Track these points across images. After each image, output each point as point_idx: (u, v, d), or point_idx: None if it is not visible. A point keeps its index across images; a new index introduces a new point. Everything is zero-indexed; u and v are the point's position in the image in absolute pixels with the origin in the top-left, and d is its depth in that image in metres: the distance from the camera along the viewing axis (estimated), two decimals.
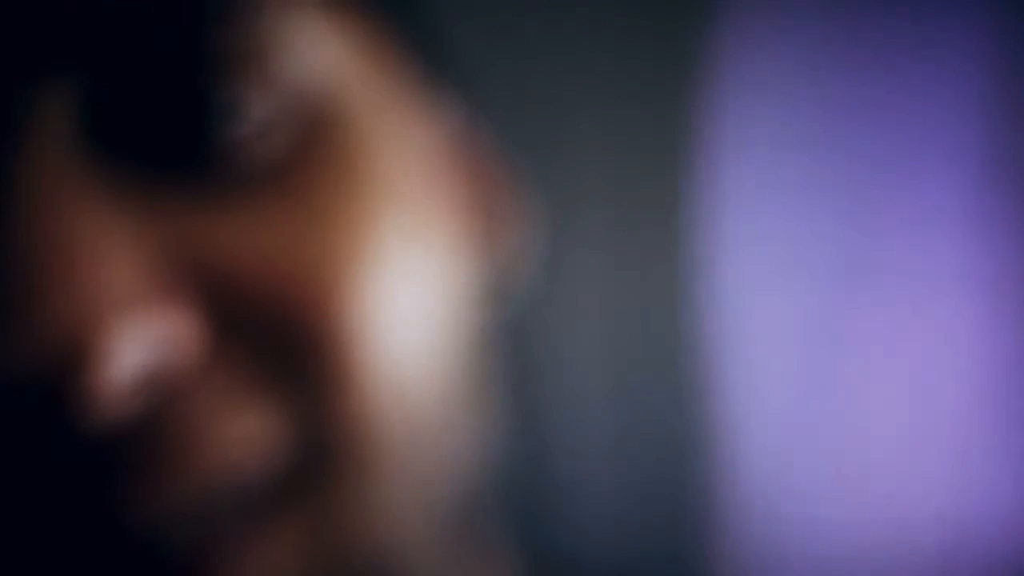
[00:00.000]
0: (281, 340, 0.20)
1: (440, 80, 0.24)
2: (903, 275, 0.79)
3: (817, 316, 0.79)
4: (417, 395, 0.21)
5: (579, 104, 0.77)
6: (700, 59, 0.76)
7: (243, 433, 0.19)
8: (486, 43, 0.75)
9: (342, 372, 0.21)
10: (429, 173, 0.23)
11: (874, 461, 0.78)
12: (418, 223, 0.22)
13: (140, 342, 0.18)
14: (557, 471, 0.67)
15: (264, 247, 0.20)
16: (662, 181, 0.78)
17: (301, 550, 0.20)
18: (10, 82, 0.19)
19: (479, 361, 0.23)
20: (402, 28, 0.23)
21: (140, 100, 0.20)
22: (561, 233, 0.76)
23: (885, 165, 0.78)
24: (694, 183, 0.76)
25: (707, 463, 0.77)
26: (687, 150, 0.78)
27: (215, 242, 0.20)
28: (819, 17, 0.79)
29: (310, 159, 0.21)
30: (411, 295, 0.22)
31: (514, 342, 0.27)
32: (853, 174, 0.79)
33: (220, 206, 0.20)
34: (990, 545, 0.76)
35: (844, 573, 0.75)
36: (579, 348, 0.75)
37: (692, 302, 0.80)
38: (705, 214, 0.77)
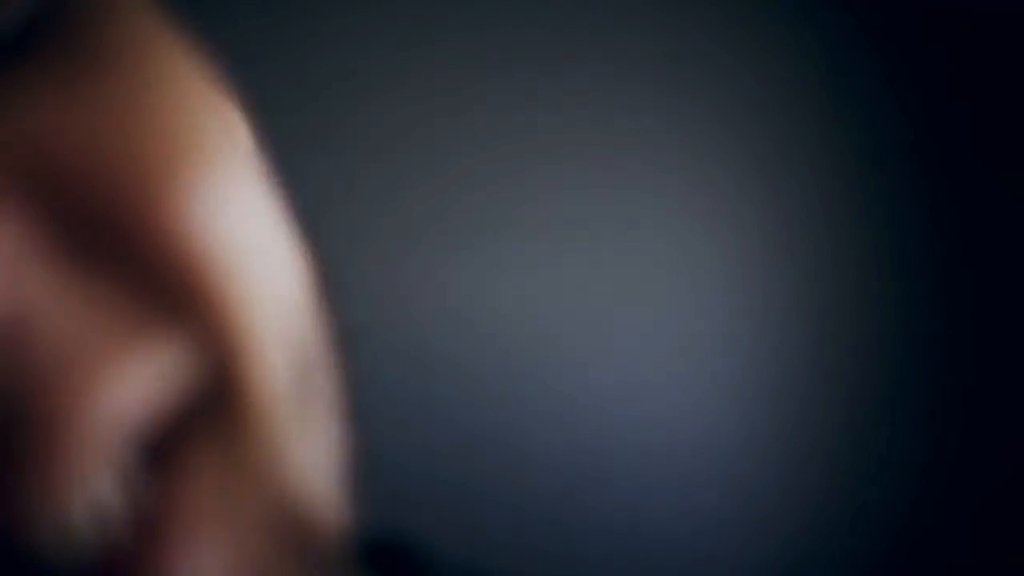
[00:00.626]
0: (139, 256, 0.17)
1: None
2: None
3: None
4: (299, 324, 0.19)
5: None
6: None
7: (131, 379, 0.17)
8: None
9: (222, 294, 0.18)
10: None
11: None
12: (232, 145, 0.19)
13: None
14: None
15: (88, 133, 0.17)
16: None
17: (224, 498, 0.18)
18: None
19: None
20: None
21: None
22: None
23: None
24: None
25: None
26: None
27: (27, 132, 0.17)
28: None
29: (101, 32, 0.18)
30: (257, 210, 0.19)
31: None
32: None
33: (18, 87, 0.17)
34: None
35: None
36: None
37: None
38: None
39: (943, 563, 0.81)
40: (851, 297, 0.84)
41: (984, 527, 0.82)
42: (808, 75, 0.81)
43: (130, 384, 0.17)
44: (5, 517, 0.16)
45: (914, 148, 0.80)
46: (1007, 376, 0.83)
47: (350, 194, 0.79)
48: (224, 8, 0.72)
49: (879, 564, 0.82)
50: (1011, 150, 0.76)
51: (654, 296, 0.81)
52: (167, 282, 0.17)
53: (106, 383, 0.17)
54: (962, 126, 0.77)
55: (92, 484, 0.16)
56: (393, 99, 0.79)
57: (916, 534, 0.83)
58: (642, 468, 0.80)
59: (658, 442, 0.80)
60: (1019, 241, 0.82)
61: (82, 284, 0.17)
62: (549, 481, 0.79)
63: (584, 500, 0.80)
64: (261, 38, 0.73)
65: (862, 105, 0.82)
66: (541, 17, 0.80)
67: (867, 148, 0.82)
